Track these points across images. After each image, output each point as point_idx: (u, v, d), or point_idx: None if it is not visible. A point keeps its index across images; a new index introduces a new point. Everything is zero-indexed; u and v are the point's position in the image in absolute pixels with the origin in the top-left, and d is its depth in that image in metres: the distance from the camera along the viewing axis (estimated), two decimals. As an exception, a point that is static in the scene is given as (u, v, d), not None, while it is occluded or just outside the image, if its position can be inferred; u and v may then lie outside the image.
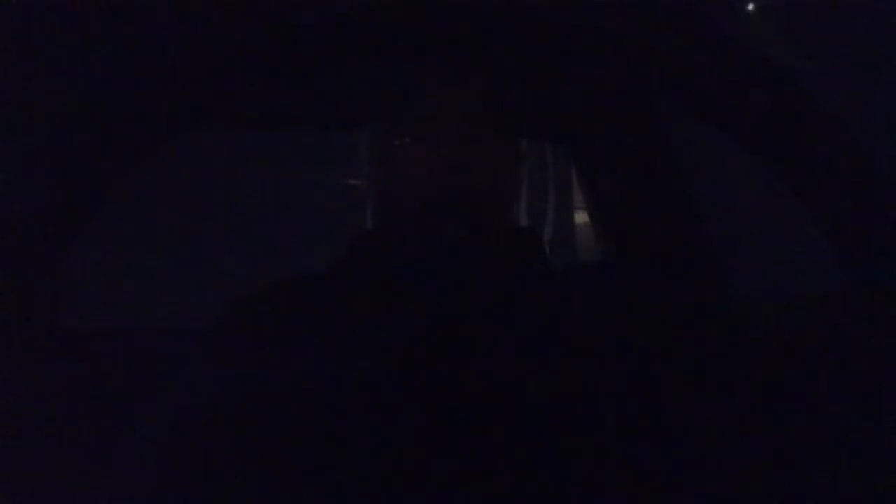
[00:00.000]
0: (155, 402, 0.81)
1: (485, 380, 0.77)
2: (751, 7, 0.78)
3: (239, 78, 0.92)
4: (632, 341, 0.80)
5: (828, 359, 0.86)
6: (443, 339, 0.78)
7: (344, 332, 0.79)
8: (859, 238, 0.82)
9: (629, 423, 0.77)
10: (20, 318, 0.81)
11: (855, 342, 0.85)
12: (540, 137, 1.65)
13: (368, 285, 0.83)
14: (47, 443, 0.83)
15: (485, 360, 0.77)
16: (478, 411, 0.75)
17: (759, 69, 0.82)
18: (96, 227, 0.91)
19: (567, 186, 3.93)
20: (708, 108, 0.95)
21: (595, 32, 0.86)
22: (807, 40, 0.79)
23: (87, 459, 0.80)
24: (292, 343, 0.78)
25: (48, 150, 0.79)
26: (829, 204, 0.84)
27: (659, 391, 0.78)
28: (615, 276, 0.91)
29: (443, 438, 0.75)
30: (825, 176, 0.83)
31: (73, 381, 0.97)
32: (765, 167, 0.91)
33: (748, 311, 1.10)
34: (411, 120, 0.83)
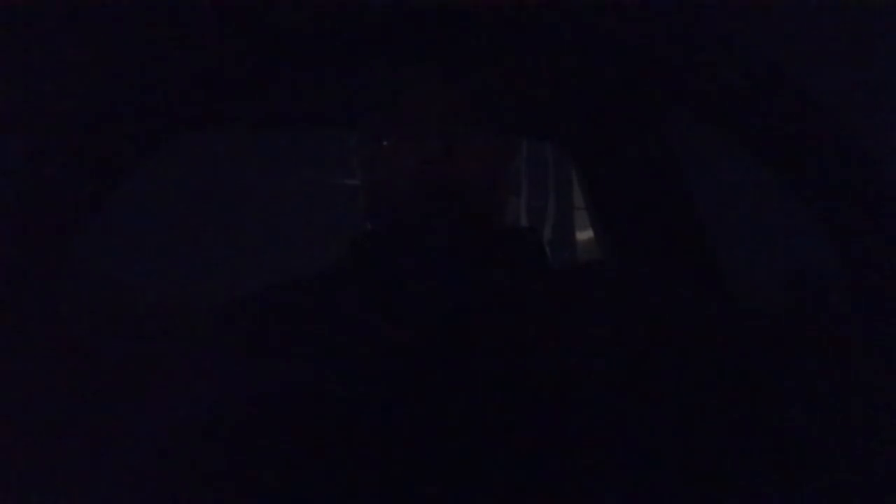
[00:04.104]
0: (154, 402, 0.81)
1: (484, 380, 0.77)
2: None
3: (236, 79, 0.92)
4: (631, 342, 0.80)
5: (828, 358, 0.86)
6: (442, 339, 0.78)
7: (343, 333, 0.79)
8: (860, 238, 0.82)
9: (628, 423, 0.77)
10: (19, 318, 0.81)
11: (855, 342, 0.85)
12: (532, 136, 1.66)
13: (367, 286, 0.83)
14: (46, 444, 0.83)
15: (484, 361, 0.77)
16: (476, 411, 0.75)
17: (759, 69, 0.82)
18: (95, 227, 0.91)
19: (567, 186, 3.94)
20: (708, 108, 0.94)
21: (591, 31, 0.85)
22: (807, 39, 0.79)
23: (85, 460, 0.80)
24: (290, 344, 0.78)
25: (47, 149, 0.79)
26: (830, 205, 0.84)
27: (658, 391, 0.78)
28: (615, 276, 0.91)
29: (441, 438, 0.74)
30: (826, 176, 0.83)
31: (72, 382, 0.97)
32: (765, 167, 0.91)
33: (747, 311, 1.10)
34: (395, 121, 0.83)
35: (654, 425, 0.77)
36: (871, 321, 0.82)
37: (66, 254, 0.86)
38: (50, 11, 0.72)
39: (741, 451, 0.79)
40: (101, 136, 0.84)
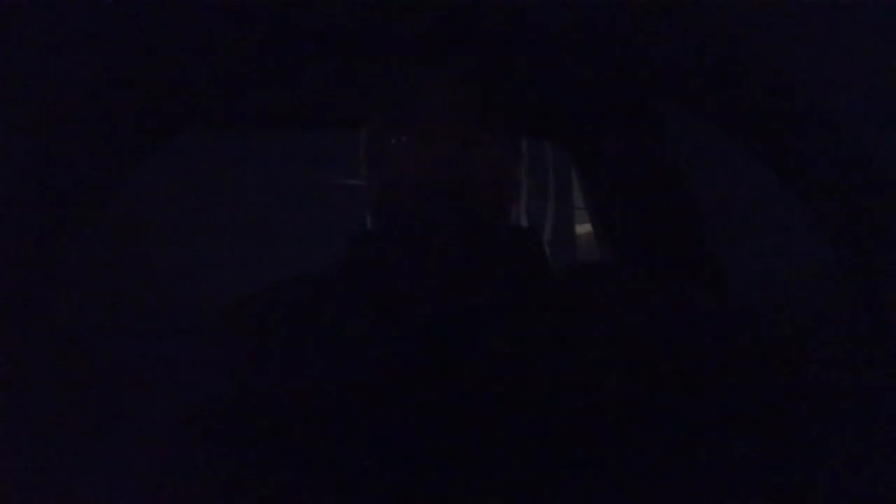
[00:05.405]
0: (155, 403, 0.81)
1: (484, 380, 0.77)
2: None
3: (238, 77, 0.92)
4: (632, 342, 0.80)
5: (828, 359, 0.86)
6: (442, 339, 0.78)
7: (344, 333, 0.79)
8: (859, 238, 0.82)
9: (629, 425, 0.77)
10: (19, 318, 0.81)
11: (854, 343, 0.85)
12: (539, 137, 1.66)
13: (368, 285, 0.83)
14: (46, 443, 0.83)
15: (484, 361, 0.77)
16: (477, 412, 0.75)
17: (759, 68, 0.82)
18: (95, 227, 0.91)
19: (567, 186, 3.94)
20: (708, 108, 0.95)
21: (594, 31, 0.86)
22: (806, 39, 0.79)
23: (86, 460, 0.80)
24: (292, 344, 0.78)
25: (47, 149, 0.79)
26: (830, 204, 0.84)
27: (659, 392, 0.78)
28: (615, 276, 0.91)
29: (442, 439, 0.75)
30: (825, 175, 0.83)
31: (73, 382, 0.97)
32: (765, 166, 0.91)
33: (748, 311, 1.10)
34: (408, 119, 0.82)
35: (654, 426, 0.77)
36: (871, 321, 0.82)
37: (68, 252, 0.86)
38: (52, 9, 0.72)
39: (741, 451, 0.79)
40: (104, 136, 0.84)
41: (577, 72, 1.11)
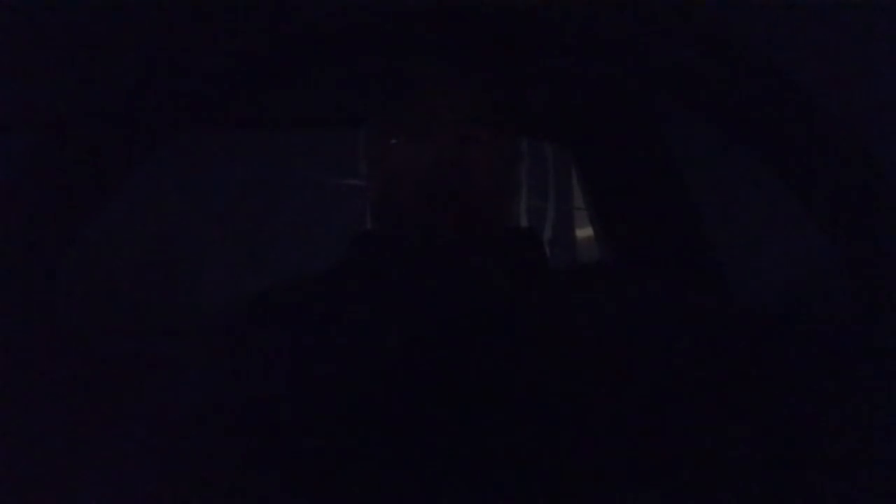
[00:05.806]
0: (156, 402, 0.81)
1: (484, 380, 0.77)
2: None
3: (238, 78, 0.92)
4: (631, 342, 0.80)
5: (829, 358, 0.86)
6: (442, 339, 0.78)
7: (343, 333, 0.79)
8: (860, 238, 0.82)
9: (628, 423, 0.77)
10: (19, 317, 0.81)
11: (855, 342, 0.85)
12: (539, 137, 1.66)
13: (368, 285, 0.83)
14: (48, 443, 0.83)
15: (484, 361, 0.77)
16: (477, 411, 0.75)
17: (760, 69, 0.82)
18: (96, 227, 0.91)
19: (567, 186, 3.94)
20: (708, 108, 0.95)
21: (594, 31, 0.86)
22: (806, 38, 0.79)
23: (88, 459, 0.80)
24: (291, 343, 0.78)
25: (48, 149, 0.79)
26: (831, 204, 0.84)
27: (658, 392, 0.78)
28: (615, 276, 0.91)
29: (442, 439, 0.75)
30: (826, 175, 0.83)
31: (75, 382, 0.97)
32: (765, 166, 0.91)
33: (747, 310, 1.10)
34: (407, 119, 0.83)
35: (653, 425, 0.77)
36: (870, 321, 0.82)
37: (69, 252, 0.86)
38: (51, 10, 0.73)
39: (740, 451, 0.79)
40: (103, 136, 0.84)
41: (578, 71, 1.11)
